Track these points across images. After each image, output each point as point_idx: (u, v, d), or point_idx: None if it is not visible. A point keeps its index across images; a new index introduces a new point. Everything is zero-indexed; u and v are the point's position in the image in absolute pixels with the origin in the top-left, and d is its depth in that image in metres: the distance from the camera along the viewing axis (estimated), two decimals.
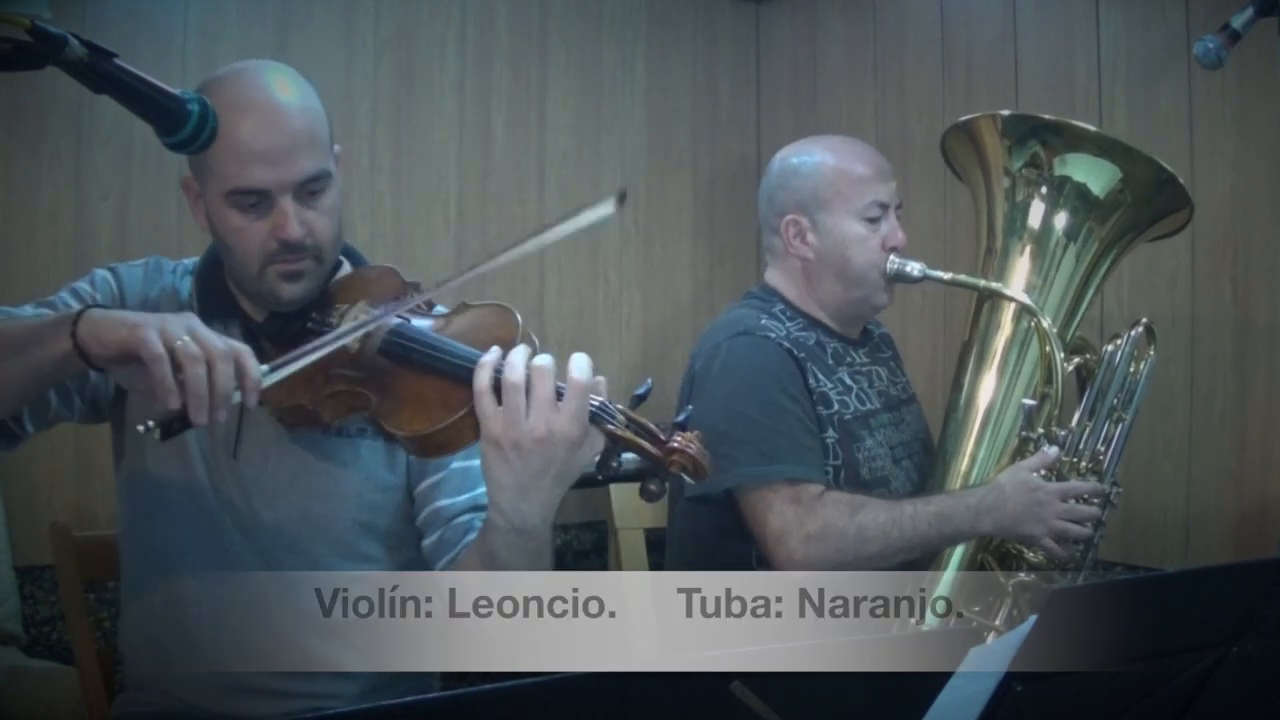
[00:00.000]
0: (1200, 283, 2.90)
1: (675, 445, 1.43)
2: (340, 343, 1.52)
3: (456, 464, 1.71)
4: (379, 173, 3.32)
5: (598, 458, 1.46)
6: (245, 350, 1.43)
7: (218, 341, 1.40)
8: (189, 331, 1.40)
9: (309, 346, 1.50)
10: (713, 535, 2.21)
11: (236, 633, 1.69)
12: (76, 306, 1.65)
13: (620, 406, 1.47)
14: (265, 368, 1.44)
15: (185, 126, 1.38)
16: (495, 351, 1.47)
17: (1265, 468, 2.81)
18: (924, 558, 2.17)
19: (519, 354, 1.45)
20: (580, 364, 1.44)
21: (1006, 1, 3.26)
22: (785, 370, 2.14)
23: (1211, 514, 2.88)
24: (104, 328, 1.42)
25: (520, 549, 1.53)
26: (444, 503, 1.71)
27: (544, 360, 1.44)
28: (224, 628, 1.69)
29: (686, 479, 1.44)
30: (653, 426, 1.46)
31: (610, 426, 1.45)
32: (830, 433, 2.15)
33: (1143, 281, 2.96)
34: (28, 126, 2.89)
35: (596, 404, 1.45)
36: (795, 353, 2.16)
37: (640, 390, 1.48)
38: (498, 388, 1.44)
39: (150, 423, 1.39)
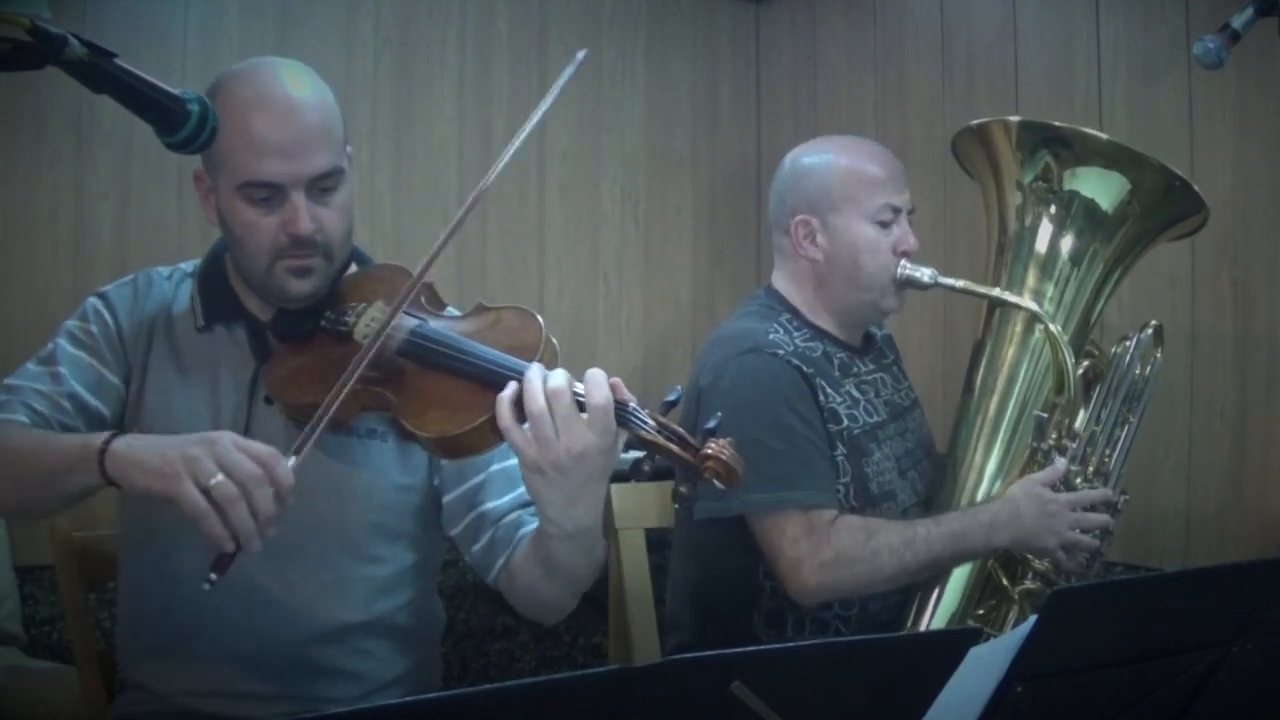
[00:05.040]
0: (1200, 283, 2.90)
1: (709, 452, 1.43)
2: (354, 379, 1.51)
3: (496, 466, 1.72)
4: (379, 173, 3.32)
5: (630, 463, 1.47)
6: (274, 458, 1.42)
7: (249, 466, 1.40)
8: (219, 463, 1.40)
9: (330, 397, 1.50)
10: (718, 551, 2.19)
11: (237, 638, 1.68)
12: (74, 352, 1.68)
13: (649, 412, 1.47)
14: (292, 460, 1.45)
15: (185, 126, 1.38)
16: (512, 386, 1.47)
17: (1265, 468, 2.81)
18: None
19: (535, 379, 1.46)
20: (596, 381, 1.45)
21: (1006, 1, 3.26)
22: (795, 390, 2.09)
23: (1211, 514, 2.88)
24: (134, 472, 1.43)
25: (576, 549, 1.57)
26: (490, 505, 1.72)
27: (559, 381, 1.45)
28: (225, 633, 1.68)
29: (719, 484, 1.44)
30: (684, 432, 1.46)
31: (643, 433, 1.45)
32: (840, 449, 2.12)
33: (1143, 282, 2.95)
34: (28, 126, 2.89)
35: (629, 409, 1.46)
36: (804, 369, 2.11)
37: (671, 397, 1.49)
38: (521, 416, 1.45)
39: (212, 576, 1.40)
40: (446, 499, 1.75)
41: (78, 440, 1.51)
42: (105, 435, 1.48)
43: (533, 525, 1.67)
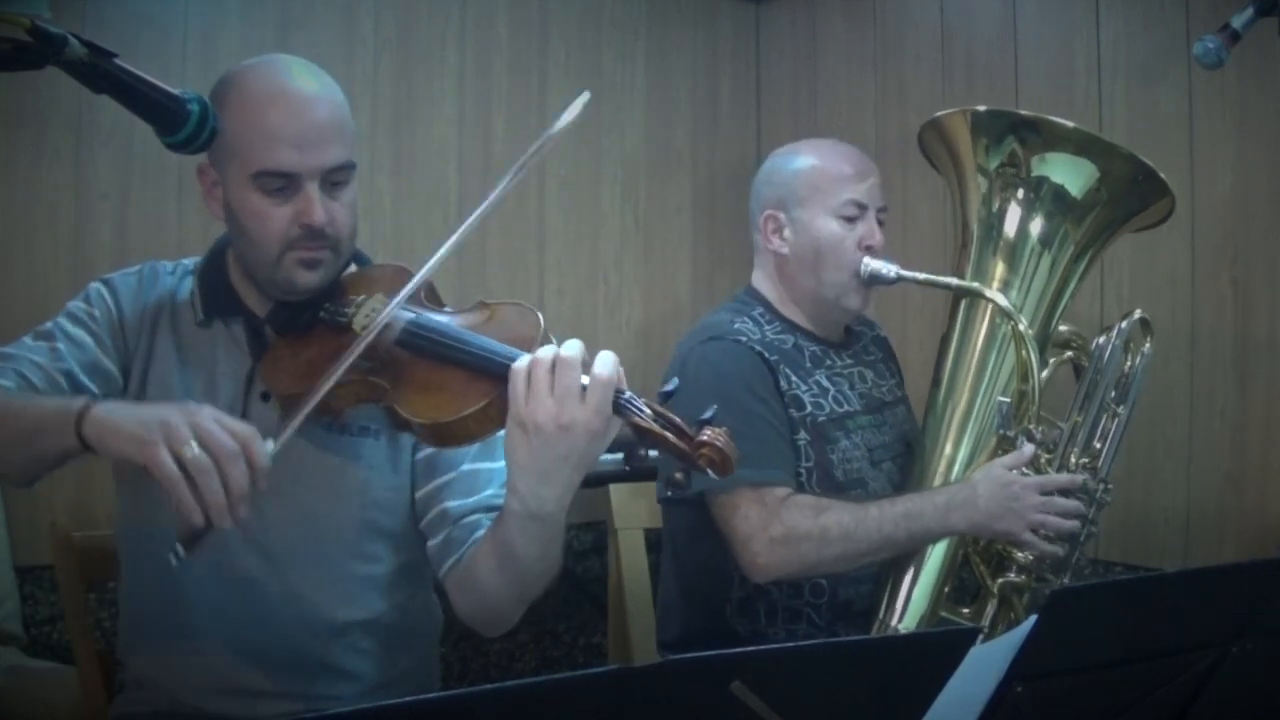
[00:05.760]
0: (1200, 282, 2.90)
1: (704, 439, 1.44)
2: (335, 380, 1.51)
3: (466, 466, 1.72)
4: (379, 173, 3.32)
5: (625, 451, 1.48)
6: (251, 437, 1.41)
7: (225, 440, 1.38)
8: (194, 433, 1.38)
9: (318, 387, 1.51)
10: (690, 537, 2.21)
11: (237, 634, 1.68)
12: (74, 331, 1.67)
13: (646, 401, 1.48)
14: (271, 445, 1.43)
15: (185, 126, 1.39)
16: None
17: (1265, 467, 2.81)
18: (902, 558, 2.14)
19: (551, 346, 1.47)
20: (605, 360, 1.46)
21: (1006, 1, 3.26)
22: (755, 373, 2.13)
23: (1211, 514, 2.88)
24: (110, 437, 1.42)
25: (534, 535, 1.55)
26: (452, 504, 1.71)
27: (572, 351, 1.45)
28: (224, 629, 1.69)
29: (713, 474, 1.45)
30: (679, 421, 1.46)
31: (638, 420, 1.46)
32: (802, 435, 2.14)
33: (1142, 280, 2.96)
34: (28, 126, 2.89)
35: (624, 397, 1.46)
36: (767, 355, 2.15)
37: (668, 388, 1.49)
38: (528, 376, 1.46)
39: (179, 550, 1.40)
40: (419, 494, 1.75)
41: (57, 402, 1.51)
42: (85, 399, 1.47)
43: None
